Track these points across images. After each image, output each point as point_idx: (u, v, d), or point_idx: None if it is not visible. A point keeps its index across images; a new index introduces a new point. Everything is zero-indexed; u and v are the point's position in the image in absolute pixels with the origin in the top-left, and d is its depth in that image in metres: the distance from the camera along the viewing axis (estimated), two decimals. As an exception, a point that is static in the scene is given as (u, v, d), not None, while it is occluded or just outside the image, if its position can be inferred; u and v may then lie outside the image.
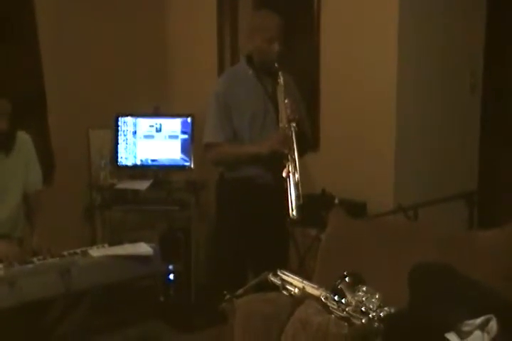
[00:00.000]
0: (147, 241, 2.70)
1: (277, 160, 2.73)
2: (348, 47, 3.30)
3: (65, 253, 2.50)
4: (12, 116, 2.61)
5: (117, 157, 3.94)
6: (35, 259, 2.42)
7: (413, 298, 1.79)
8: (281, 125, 2.80)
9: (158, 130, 3.96)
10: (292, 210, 2.63)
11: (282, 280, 2.00)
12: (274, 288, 2.01)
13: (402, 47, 3.08)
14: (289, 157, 2.71)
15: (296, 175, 2.68)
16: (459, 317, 1.62)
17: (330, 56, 3.40)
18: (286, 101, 2.78)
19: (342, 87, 3.36)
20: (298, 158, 2.71)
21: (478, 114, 3.59)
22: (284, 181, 2.68)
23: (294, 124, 2.76)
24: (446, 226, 2.54)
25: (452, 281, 1.77)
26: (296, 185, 2.67)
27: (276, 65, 2.84)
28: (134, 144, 3.95)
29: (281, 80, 2.83)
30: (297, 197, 2.65)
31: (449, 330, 1.61)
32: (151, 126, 3.96)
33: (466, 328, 1.60)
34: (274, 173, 2.76)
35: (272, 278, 2.02)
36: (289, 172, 2.69)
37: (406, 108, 3.15)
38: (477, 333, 1.59)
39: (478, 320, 1.60)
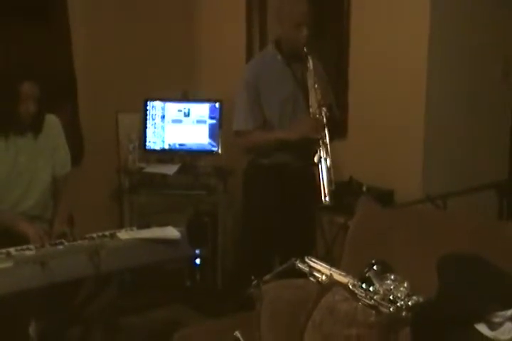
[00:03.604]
0: (174, 225, 2.71)
1: (307, 146, 2.72)
2: (377, 34, 3.26)
3: (94, 235, 2.53)
4: (40, 99, 2.63)
5: (145, 141, 3.96)
6: (64, 241, 2.46)
7: (442, 288, 1.78)
8: (311, 110, 2.78)
9: (187, 115, 3.96)
10: (325, 196, 2.63)
11: (310, 266, 1.99)
12: (301, 274, 2.01)
13: (433, 34, 3.04)
14: (321, 142, 2.70)
15: (328, 161, 2.67)
16: (489, 308, 1.61)
17: (359, 43, 3.37)
18: (316, 85, 2.77)
19: (370, 74, 3.33)
20: (329, 143, 2.70)
21: (510, 101, 3.53)
22: (313, 167, 2.67)
23: (325, 109, 2.75)
24: (476, 216, 2.51)
25: (482, 272, 1.75)
26: (328, 170, 2.66)
27: (305, 49, 2.82)
28: (162, 128, 3.97)
29: (310, 64, 2.81)
30: (329, 182, 2.65)
31: (479, 321, 1.60)
32: (180, 110, 3.97)
33: (496, 319, 1.59)
34: (303, 160, 2.76)
35: (300, 265, 2.02)
36: (320, 157, 2.68)
37: (435, 95, 3.12)
38: (508, 325, 1.57)
39: (510, 312, 1.58)
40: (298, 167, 2.83)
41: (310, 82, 2.80)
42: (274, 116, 2.88)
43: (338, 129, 3.20)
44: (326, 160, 2.68)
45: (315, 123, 2.74)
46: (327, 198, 2.64)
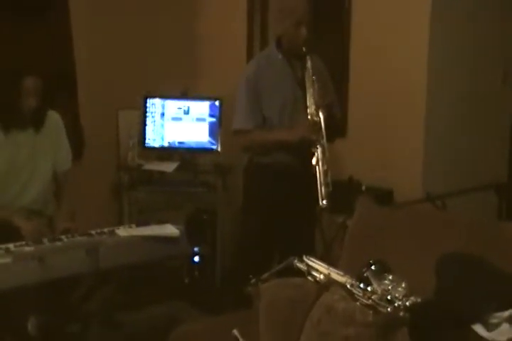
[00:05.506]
0: (173, 222, 2.72)
1: (306, 147, 2.72)
2: (378, 33, 3.27)
3: (93, 232, 2.53)
4: (42, 94, 2.63)
5: (145, 138, 3.96)
6: (63, 237, 2.47)
7: (440, 288, 1.78)
8: (309, 111, 2.78)
9: (186, 112, 3.96)
10: (322, 199, 2.63)
11: (308, 266, 2.00)
12: (300, 273, 2.01)
13: (433, 36, 3.05)
14: (318, 144, 2.70)
15: (325, 163, 2.67)
16: (486, 308, 1.62)
17: (360, 41, 3.38)
18: (314, 85, 2.77)
19: (371, 74, 3.33)
20: (326, 144, 2.71)
21: (510, 104, 3.54)
22: (312, 167, 2.68)
23: (322, 110, 2.75)
24: (475, 217, 2.51)
25: (480, 272, 1.76)
26: (325, 172, 2.67)
27: (304, 49, 2.82)
28: (162, 126, 3.96)
29: (309, 65, 2.81)
30: (326, 184, 2.65)
31: (475, 322, 1.61)
32: (179, 108, 3.97)
33: (493, 320, 1.59)
34: (303, 159, 2.76)
35: (298, 264, 2.02)
36: (318, 159, 2.68)
37: (436, 95, 3.12)
38: (505, 326, 1.58)
39: (507, 313, 1.59)
40: (298, 166, 2.83)
41: (308, 82, 2.79)
42: (274, 115, 2.88)
43: (339, 129, 3.21)
44: (323, 162, 2.68)
45: (312, 124, 2.74)
46: (324, 201, 2.65)
